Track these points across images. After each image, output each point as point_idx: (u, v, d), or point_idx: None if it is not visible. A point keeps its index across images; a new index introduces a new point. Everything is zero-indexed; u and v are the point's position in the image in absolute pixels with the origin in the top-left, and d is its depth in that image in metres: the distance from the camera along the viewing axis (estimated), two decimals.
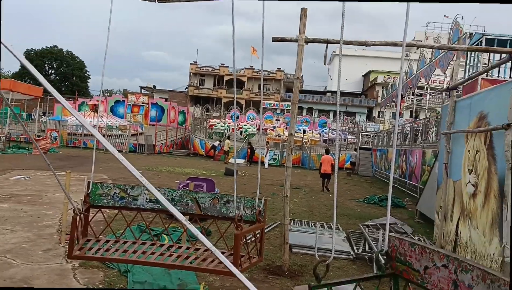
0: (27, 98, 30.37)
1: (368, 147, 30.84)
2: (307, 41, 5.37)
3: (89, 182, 3.78)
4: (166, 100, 47.52)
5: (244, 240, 3.47)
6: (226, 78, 58.36)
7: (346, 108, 56.96)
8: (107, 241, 3.78)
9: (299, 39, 5.34)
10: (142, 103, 42.13)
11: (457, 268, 1.96)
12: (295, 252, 6.47)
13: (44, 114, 35.99)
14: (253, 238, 3.83)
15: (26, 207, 8.12)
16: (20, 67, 57.48)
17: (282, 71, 59.28)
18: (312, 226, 8.54)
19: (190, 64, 60.42)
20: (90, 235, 3.89)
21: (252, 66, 58.72)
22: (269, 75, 59.49)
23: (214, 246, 3.98)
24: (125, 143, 29.34)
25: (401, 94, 21.59)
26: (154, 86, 63.20)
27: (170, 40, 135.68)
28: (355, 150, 28.43)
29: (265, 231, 7.68)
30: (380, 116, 53.39)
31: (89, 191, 3.77)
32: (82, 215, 3.49)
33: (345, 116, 47.58)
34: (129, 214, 4.38)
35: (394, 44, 5.79)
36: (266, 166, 25.84)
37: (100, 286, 4.51)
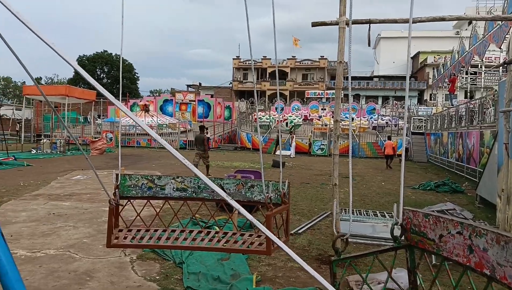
0: (82, 102, 32.09)
1: (421, 131, 29.57)
2: (348, 23, 5.19)
3: (117, 174, 3.89)
4: (212, 96, 48.29)
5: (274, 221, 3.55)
6: (269, 70, 58.22)
7: (395, 92, 54.92)
8: (138, 230, 3.92)
9: (339, 22, 5.17)
10: (189, 100, 43.09)
11: (472, 233, 2.02)
12: (348, 241, 6.34)
13: (99, 116, 37.87)
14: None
15: (86, 204, 8.60)
16: (74, 73, 60.75)
17: (326, 58, 58.15)
18: (364, 214, 8.34)
19: (233, 59, 60.86)
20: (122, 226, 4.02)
21: (295, 56, 58.15)
22: (312, 63, 58.60)
23: (241, 231, 3.99)
24: (175, 140, 30.25)
25: (453, 73, 20.45)
26: (200, 84, 64.43)
27: (213, 37, 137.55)
28: (406, 135, 27.36)
29: (316, 221, 7.63)
30: (432, 98, 50.97)
31: (118, 183, 3.89)
32: (117, 206, 3.64)
33: (394, 101, 45.86)
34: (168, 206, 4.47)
35: (442, 19, 5.45)
36: (293, 155, 25.64)
37: (157, 277, 4.68)
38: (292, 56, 58.05)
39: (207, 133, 12.91)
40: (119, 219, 3.82)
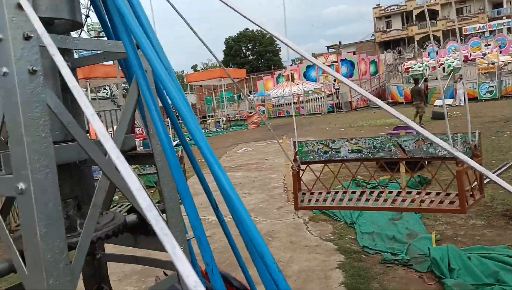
0: (235, 81, 34.65)
1: None
2: None
3: (294, 142, 4.09)
4: (354, 53, 46.45)
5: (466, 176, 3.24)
6: (415, 12, 52.69)
7: None
8: (320, 193, 4.07)
9: None
10: (331, 62, 42.35)
11: None
12: None
13: (250, 92, 40.41)
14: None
15: (254, 173, 9.44)
16: (224, 55, 65.70)
17: None
18: None
19: (373, 8, 56.98)
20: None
21: None
22: None
23: (430, 191, 3.77)
24: (323, 105, 30.34)
25: None
26: (340, 42, 62.49)
27: None
28: None
29: (496, 173, 6.80)
30: None
31: (296, 149, 4.10)
32: (299, 171, 3.85)
33: None
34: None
35: None
36: (462, 103, 22.73)
37: (332, 237, 4.90)
38: None
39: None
40: (301, 183, 4.10)
